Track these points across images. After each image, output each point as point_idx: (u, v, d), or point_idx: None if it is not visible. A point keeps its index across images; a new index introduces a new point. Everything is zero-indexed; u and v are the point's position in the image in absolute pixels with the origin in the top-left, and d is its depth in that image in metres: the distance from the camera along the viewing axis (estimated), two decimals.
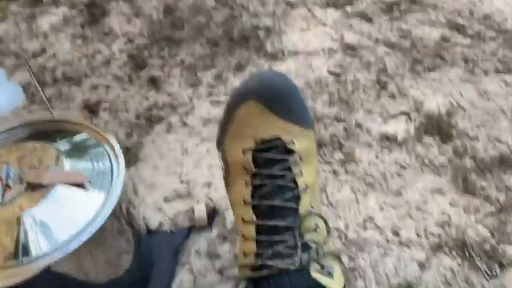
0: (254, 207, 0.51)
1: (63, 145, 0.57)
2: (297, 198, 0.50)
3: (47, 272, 0.49)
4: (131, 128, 0.90)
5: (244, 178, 0.52)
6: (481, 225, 0.71)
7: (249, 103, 0.52)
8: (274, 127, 0.52)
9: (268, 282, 0.48)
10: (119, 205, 0.56)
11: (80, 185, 0.52)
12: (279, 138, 0.52)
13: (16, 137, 0.58)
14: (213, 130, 0.89)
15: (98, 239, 0.53)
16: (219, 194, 0.77)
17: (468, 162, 0.80)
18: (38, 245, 0.49)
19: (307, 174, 0.52)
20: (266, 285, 0.48)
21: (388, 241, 0.69)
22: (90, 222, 0.50)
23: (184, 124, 0.91)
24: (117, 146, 0.58)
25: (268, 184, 0.50)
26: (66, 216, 0.51)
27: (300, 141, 0.52)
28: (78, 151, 0.57)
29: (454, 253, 0.67)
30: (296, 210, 0.49)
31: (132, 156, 0.84)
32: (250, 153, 0.51)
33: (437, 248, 0.68)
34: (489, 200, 0.74)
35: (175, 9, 1.24)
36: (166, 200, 0.77)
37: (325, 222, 0.51)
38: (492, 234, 0.70)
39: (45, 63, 1.08)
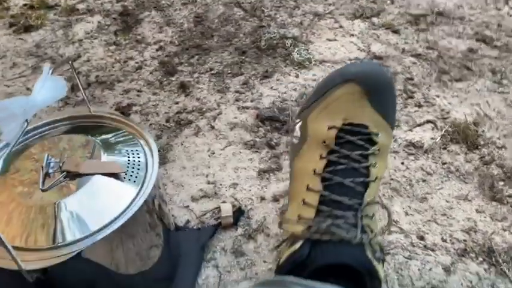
0: (323, 180, 0.53)
1: (101, 139, 0.60)
2: (365, 185, 0.52)
3: (79, 258, 0.50)
4: (161, 131, 0.93)
5: (320, 152, 0.54)
6: (508, 232, 0.70)
7: (350, 85, 0.54)
8: (366, 115, 0.55)
9: (327, 246, 0.49)
10: (152, 200, 0.59)
11: (116, 176, 0.55)
12: (366, 127, 0.54)
13: (58, 130, 0.62)
14: (240, 134, 0.91)
15: (130, 231, 0.55)
16: (245, 195, 0.79)
17: (495, 170, 0.80)
18: (72, 231, 0.51)
19: (379, 167, 0.54)
20: (325, 248, 0.49)
21: (413, 245, 0.69)
22: (123, 213, 0.52)
23: (212, 128, 0.93)
24: (152, 142, 0.60)
25: (343, 163, 0.53)
26: (101, 205, 0.54)
27: (383, 136, 0.55)
28: (114, 145, 0.60)
29: (480, 259, 0.67)
30: (362, 194, 0.51)
31: (161, 157, 0.87)
32: (335, 131, 0.54)
33: (463, 253, 0.68)
34: None
35: (205, 19, 1.27)
36: (194, 199, 0.79)
37: (389, 213, 0.54)
38: None
39: (79, 68, 1.12)
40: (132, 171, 0.56)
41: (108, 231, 0.50)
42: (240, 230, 0.74)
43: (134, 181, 0.55)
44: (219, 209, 0.76)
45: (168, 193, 0.80)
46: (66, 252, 0.49)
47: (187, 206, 0.78)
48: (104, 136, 0.61)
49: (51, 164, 0.54)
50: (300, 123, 0.60)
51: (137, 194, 0.53)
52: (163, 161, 0.87)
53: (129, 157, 0.57)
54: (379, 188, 0.75)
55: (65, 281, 0.51)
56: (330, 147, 0.54)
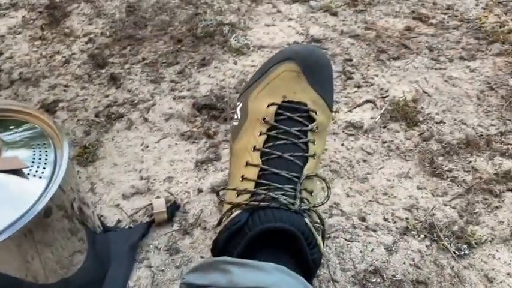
0: (262, 155, 0.53)
1: (6, 134, 0.53)
2: (305, 160, 0.52)
3: None
4: (89, 126, 0.86)
5: (260, 129, 0.54)
6: (449, 207, 0.69)
7: (289, 63, 0.55)
8: (305, 93, 0.55)
9: (265, 212, 0.48)
10: (70, 204, 0.53)
11: (18, 173, 0.48)
12: (305, 105, 0.55)
13: None
14: (176, 125, 0.86)
15: (47, 240, 0.50)
16: (181, 188, 0.74)
17: (435, 145, 0.79)
18: None
19: (317, 145, 0.55)
20: (263, 214, 0.48)
21: (354, 227, 0.66)
22: (26, 212, 0.47)
23: (146, 120, 0.88)
24: (63, 137, 0.54)
25: (283, 139, 0.53)
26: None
27: (322, 115, 0.56)
28: (19, 140, 0.54)
29: (422, 236, 0.65)
30: (301, 168, 0.51)
31: (90, 155, 0.81)
32: (275, 107, 0.54)
33: (405, 231, 0.66)
34: (456, 181, 0.73)
35: (138, 9, 1.21)
36: (125, 196, 0.73)
37: (327, 185, 0.54)
38: (460, 216, 0.68)
39: (1, 65, 1.03)
40: (38, 167, 0.50)
41: (7, 234, 0.44)
42: (175, 226, 0.69)
43: (40, 177, 0.49)
44: (151, 205, 0.71)
45: (97, 192, 0.74)
46: None
47: (118, 205, 0.72)
48: (7, 131, 0.54)
49: None
50: (240, 105, 0.60)
51: (42, 193, 0.48)
52: (92, 158, 0.80)
53: (34, 152, 0.51)
54: (319, 170, 0.72)
55: None
56: (270, 124, 0.54)
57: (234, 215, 0.50)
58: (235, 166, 0.56)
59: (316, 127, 0.54)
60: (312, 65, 0.55)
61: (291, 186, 0.50)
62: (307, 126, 0.54)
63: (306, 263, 0.47)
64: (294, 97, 0.55)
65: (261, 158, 0.52)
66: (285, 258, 0.47)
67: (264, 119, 0.54)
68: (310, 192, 0.53)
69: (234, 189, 0.53)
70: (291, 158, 0.52)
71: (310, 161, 0.53)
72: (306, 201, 0.50)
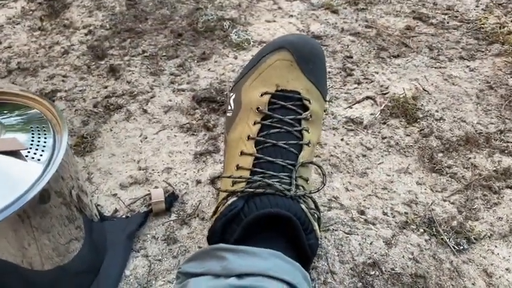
0: (257, 144, 0.52)
1: (5, 117, 0.53)
2: (299, 147, 0.52)
3: None
4: (88, 117, 0.86)
5: (254, 118, 0.54)
6: (448, 202, 0.69)
7: (282, 52, 0.54)
8: (298, 82, 0.54)
9: (261, 199, 0.47)
10: (69, 192, 0.53)
11: (17, 155, 0.48)
12: (299, 93, 0.54)
13: None
14: (175, 117, 0.85)
15: (44, 227, 0.49)
16: (179, 179, 0.74)
17: (434, 142, 0.78)
18: None
19: (312, 134, 0.54)
20: (259, 200, 0.47)
21: (353, 220, 0.66)
22: (22, 195, 0.46)
23: (145, 112, 0.87)
24: (63, 122, 0.54)
25: (277, 127, 0.52)
26: None
27: (315, 104, 0.55)
28: (19, 124, 0.53)
29: (421, 230, 0.65)
30: (296, 156, 0.51)
31: (88, 145, 0.80)
32: (268, 96, 0.54)
33: (404, 225, 0.66)
34: (455, 177, 0.72)
35: (138, 2, 1.21)
36: (123, 186, 0.73)
37: (323, 172, 0.53)
38: (459, 211, 0.68)
39: None
40: (36, 151, 0.49)
41: (2, 216, 0.44)
42: (173, 216, 0.68)
43: (39, 160, 0.48)
44: (149, 195, 0.70)
45: (95, 182, 0.74)
46: None
47: (115, 195, 0.71)
48: (6, 114, 0.54)
49: None
50: (233, 96, 0.59)
51: (39, 177, 0.47)
52: (90, 148, 0.80)
53: (33, 135, 0.51)
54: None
55: None
56: (264, 113, 0.53)
57: (229, 202, 0.50)
58: (229, 156, 0.56)
59: (310, 115, 0.54)
60: (306, 55, 0.55)
61: (287, 174, 0.50)
62: (300, 114, 0.53)
63: (303, 249, 0.46)
64: (287, 86, 0.54)
65: (255, 146, 0.52)
66: (282, 244, 0.46)
67: (257, 108, 0.54)
68: (306, 180, 0.52)
69: (229, 177, 0.52)
70: (286, 146, 0.51)
71: (305, 149, 0.52)
72: (301, 188, 0.50)
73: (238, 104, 0.57)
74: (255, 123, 0.53)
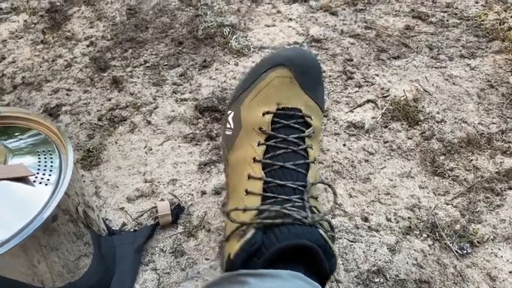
0: (264, 167, 0.51)
1: (9, 141, 0.54)
2: (307, 167, 0.52)
3: None
4: (93, 130, 0.87)
5: (257, 139, 0.53)
6: (451, 206, 0.70)
7: (280, 69, 0.54)
8: (299, 99, 0.54)
9: (280, 230, 0.46)
10: (75, 209, 0.54)
11: (25, 181, 0.49)
12: (300, 110, 0.54)
13: None
14: (178, 127, 0.86)
15: (53, 244, 0.50)
16: (185, 191, 0.75)
17: (436, 144, 0.79)
18: None
19: (314, 149, 0.54)
20: (279, 232, 0.46)
21: (357, 227, 0.67)
22: (34, 219, 0.47)
23: (148, 123, 0.88)
24: (67, 142, 0.55)
25: (282, 148, 0.52)
26: (7, 213, 0.48)
27: (316, 119, 0.55)
28: (26, 147, 0.54)
29: (424, 235, 0.66)
30: (305, 175, 0.51)
31: (94, 158, 0.81)
32: (270, 116, 0.53)
33: (407, 231, 0.66)
34: (458, 180, 0.73)
35: (138, 11, 1.21)
36: (129, 199, 0.74)
37: (334, 191, 0.53)
38: (462, 214, 0.68)
39: (4, 70, 1.04)
40: (44, 174, 0.51)
41: (16, 241, 0.45)
42: (179, 228, 0.70)
43: (46, 184, 0.50)
44: (156, 208, 0.71)
45: (102, 196, 0.75)
46: None
47: (123, 208, 0.73)
48: (12, 138, 0.55)
49: None
50: (231, 114, 0.58)
51: (49, 200, 0.48)
52: (96, 162, 0.81)
53: (39, 159, 0.52)
54: (321, 172, 0.73)
55: None
56: (267, 133, 0.53)
57: (248, 235, 0.48)
58: (236, 178, 0.55)
59: (313, 132, 0.54)
60: (302, 68, 0.54)
61: (298, 196, 0.49)
62: (304, 132, 0.53)
63: (324, 272, 0.46)
64: (288, 103, 0.53)
65: (263, 169, 0.51)
66: (303, 266, 0.46)
67: (260, 128, 0.53)
68: (316, 198, 0.52)
69: (244, 211, 0.50)
70: (294, 167, 0.51)
71: (312, 167, 0.52)
72: (315, 210, 0.49)
73: (238, 123, 0.56)
74: (259, 144, 0.52)
